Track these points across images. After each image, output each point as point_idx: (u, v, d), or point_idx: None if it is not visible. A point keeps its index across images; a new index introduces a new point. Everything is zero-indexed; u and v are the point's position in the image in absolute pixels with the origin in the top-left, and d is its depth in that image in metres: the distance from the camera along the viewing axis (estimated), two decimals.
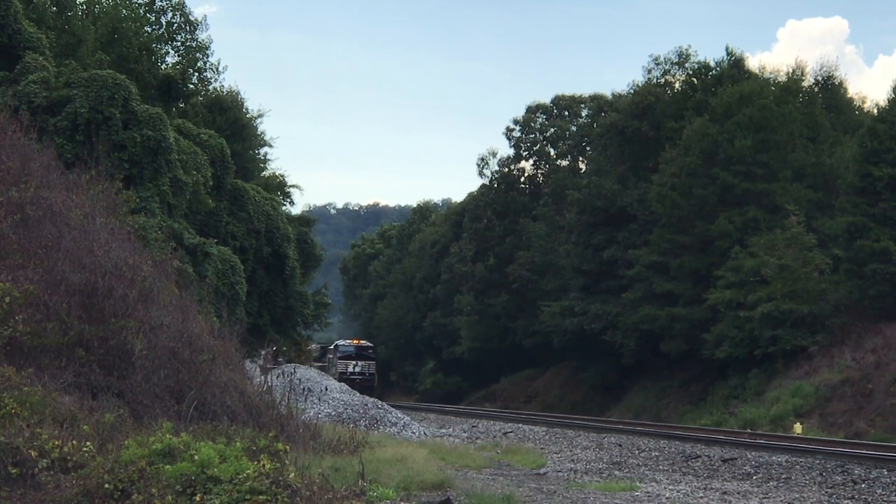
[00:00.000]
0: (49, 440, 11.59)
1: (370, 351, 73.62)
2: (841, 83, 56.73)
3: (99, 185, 21.18)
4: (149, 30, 45.29)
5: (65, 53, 35.97)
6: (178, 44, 47.05)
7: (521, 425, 37.39)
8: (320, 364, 74.46)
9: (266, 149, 59.29)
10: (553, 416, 47.46)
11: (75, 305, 15.46)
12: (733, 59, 55.96)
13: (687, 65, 58.20)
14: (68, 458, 11.46)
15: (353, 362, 70.81)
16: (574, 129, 74.53)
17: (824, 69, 56.55)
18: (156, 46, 44.91)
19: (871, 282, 39.39)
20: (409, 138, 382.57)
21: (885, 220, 39.81)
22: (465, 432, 34.86)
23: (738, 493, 16.75)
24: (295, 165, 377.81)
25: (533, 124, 75.90)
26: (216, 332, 18.65)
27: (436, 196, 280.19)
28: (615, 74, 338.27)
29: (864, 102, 57.80)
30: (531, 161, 76.53)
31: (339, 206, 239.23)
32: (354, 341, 75.07)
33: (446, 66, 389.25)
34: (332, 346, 75.20)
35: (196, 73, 47.87)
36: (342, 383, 41.78)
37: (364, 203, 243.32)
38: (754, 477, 19.70)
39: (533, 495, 15.57)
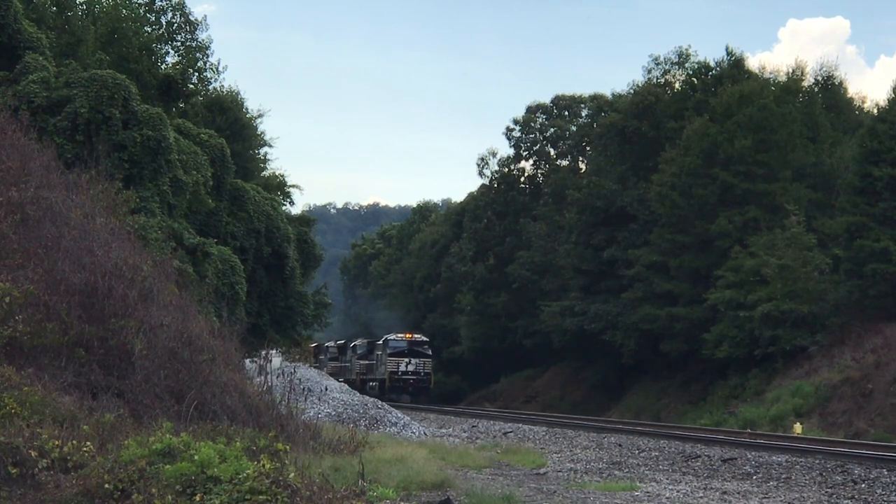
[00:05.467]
0: (49, 440, 11.59)
1: (425, 346, 63.85)
2: (841, 83, 56.85)
3: (99, 185, 21.19)
4: (149, 30, 45.26)
5: (65, 53, 35.93)
6: (178, 44, 47.02)
7: (521, 425, 37.39)
8: (367, 362, 67.76)
9: (266, 149, 59.25)
10: (553, 416, 47.47)
11: (75, 305, 15.46)
12: (733, 59, 56.03)
13: (687, 65, 58.30)
14: (68, 458, 11.46)
15: (406, 360, 61.67)
16: (574, 129, 74.58)
17: (824, 69, 56.72)
18: (156, 46, 44.89)
19: (871, 282, 39.40)
20: (409, 138, 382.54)
21: (885, 220, 39.82)
22: (465, 432, 34.86)
23: (738, 493, 16.76)
24: (295, 165, 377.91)
25: (533, 124, 75.94)
26: (216, 332, 18.65)
27: (436, 196, 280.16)
28: (615, 74, 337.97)
29: (864, 102, 57.95)
30: (531, 161, 76.62)
31: (339, 206, 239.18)
32: (407, 335, 65.05)
33: (446, 65, 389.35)
34: (380, 342, 66.16)
35: (196, 73, 47.83)
36: (342, 384, 41.55)
37: (364, 203, 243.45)
38: (754, 477, 19.70)
39: (533, 495, 15.57)
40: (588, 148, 70.28)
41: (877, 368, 35.05)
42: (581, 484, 17.90)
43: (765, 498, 16.28)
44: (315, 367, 74.71)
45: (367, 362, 68.32)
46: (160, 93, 39.24)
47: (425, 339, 65.95)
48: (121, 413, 13.94)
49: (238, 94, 54.50)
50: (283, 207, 48.32)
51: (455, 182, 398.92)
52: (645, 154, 55.79)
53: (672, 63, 58.64)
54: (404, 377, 61.04)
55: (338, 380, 67.68)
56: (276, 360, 27.37)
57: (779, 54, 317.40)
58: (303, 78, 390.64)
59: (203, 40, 47.65)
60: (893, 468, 19.40)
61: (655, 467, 21.87)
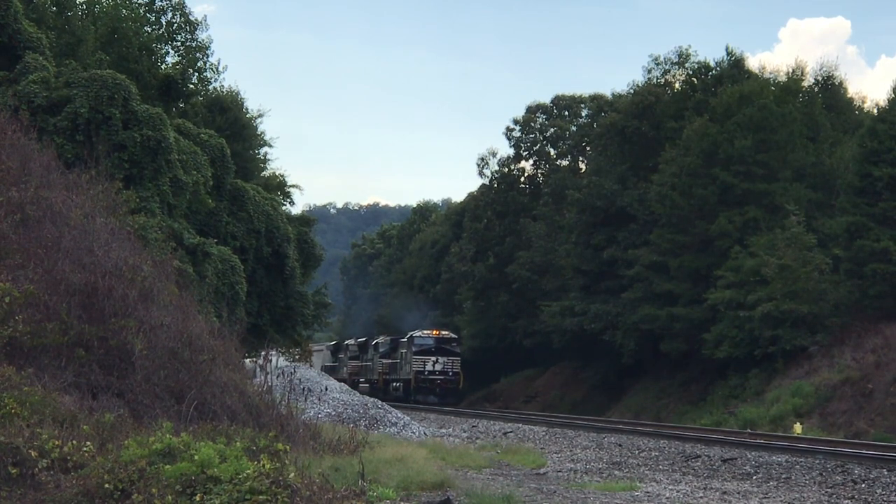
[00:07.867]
0: (49, 440, 11.58)
1: (454, 344, 60.35)
2: (841, 83, 56.78)
3: (99, 185, 21.16)
4: (149, 30, 45.23)
5: (65, 53, 35.92)
6: (178, 44, 47.00)
7: (521, 425, 37.38)
8: (390, 361, 65.24)
9: (266, 149, 59.26)
10: (553, 416, 47.47)
11: (75, 305, 15.46)
12: (733, 59, 56.02)
13: (687, 65, 58.22)
14: (68, 458, 11.45)
15: (433, 359, 58.35)
16: (574, 129, 74.54)
17: (824, 69, 56.67)
18: (156, 46, 44.84)
19: (871, 282, 39.38)
20: (409, 138, 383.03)
21: (885, 220, 39.81)
22: (465, 432, 34.86)
23: (738, 493, 16.76)
24: (295, 165, 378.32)
25: (533, 124, 75.90)
26: (216, 332, 18.65)
27: (436, 196, 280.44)
28: (615, 74, 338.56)
29: (864, 102, 57.91)
30: (531, 161, 76.54)
31: (339, 206, 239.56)
32: (434, 332, 61.11)
33: (446, 65, 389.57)
34: (404, 339, 62.34)
35: (196, 73, 47.81)
36: (342, 384, 41.41)
37: (364, 203, 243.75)
38: (754, 477, 19.70)
39: (533, 495, 15.57)
40: (588, 148, 70.24)
41: (877, 368, 35.04)
42: (581, 484, 17.90)
43: (765, 498, 16.28)
44: (333, 366, 73.64)
45: (390, 361, 65.34)
46: (160, 93, 39.22)
47: (454, 335, 62.19)
48: (121, 413, 13.94)
49: (238, 94, 54.59)
50: (283, 207, 48.32)
51: (455, 182, 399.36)
52: (645, 154, 55.77)
53: (672, 63, 58.59)
54: (431, 377, 57.95)
55: (359, 381, 66.44)
56: (276, 361, 27.37)
57: (779, 54, 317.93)
58: (303, 78, 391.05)
59: (203, 40, 47.64)
60: (893, 468, 19.40)
61: (655, 467, 21.87)
